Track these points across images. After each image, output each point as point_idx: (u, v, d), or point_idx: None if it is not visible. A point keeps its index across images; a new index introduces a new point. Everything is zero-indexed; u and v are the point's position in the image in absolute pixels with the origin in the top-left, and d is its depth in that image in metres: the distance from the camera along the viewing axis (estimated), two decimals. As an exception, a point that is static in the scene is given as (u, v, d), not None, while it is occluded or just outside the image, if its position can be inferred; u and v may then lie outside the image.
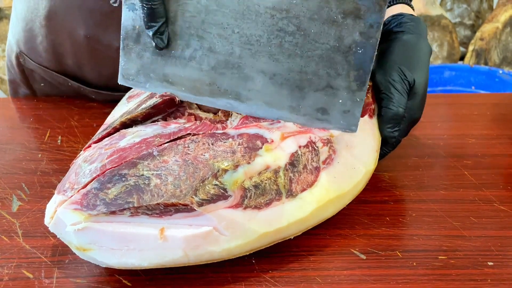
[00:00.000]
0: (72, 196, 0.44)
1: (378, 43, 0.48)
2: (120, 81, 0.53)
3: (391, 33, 0.60)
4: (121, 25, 0.52)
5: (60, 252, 0.49)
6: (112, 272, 0.46)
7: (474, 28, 2.25)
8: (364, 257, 0.48)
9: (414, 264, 0.47)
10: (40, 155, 0.66)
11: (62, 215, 0.44)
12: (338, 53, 0.49)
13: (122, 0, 0.51)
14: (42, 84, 0.84)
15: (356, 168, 0.52)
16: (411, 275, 0.46)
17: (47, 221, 0.45)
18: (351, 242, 0.50)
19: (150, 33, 0.49)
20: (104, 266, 0.44)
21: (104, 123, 0.56)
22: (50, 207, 0.46)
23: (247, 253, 0.46)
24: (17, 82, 0.86)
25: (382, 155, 0.58)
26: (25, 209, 0.55)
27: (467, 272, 0.46)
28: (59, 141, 0.70)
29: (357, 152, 0.53)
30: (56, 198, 0.46)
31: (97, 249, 0.43)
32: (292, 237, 0.48)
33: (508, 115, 0.78)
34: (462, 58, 2.09)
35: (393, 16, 0.61)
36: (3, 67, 2.06)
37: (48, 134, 0.72)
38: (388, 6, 0.62)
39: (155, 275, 0.46)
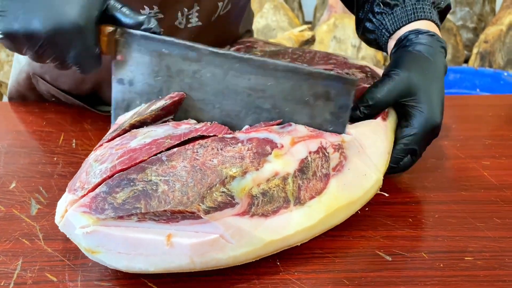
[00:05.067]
0: (81, 196, 0.45)
1: (347, 122, 0.52)
2: None
3: (401, 47, 0.60)
4: (112, 97, 0.56)
5: (83, 255, 0.48)
6: (137, 275, 0.45)
7: (476, 31, 2.26)
8: (390, 259, 0.48)
9: (441, 265, 0.47)
10: (55, 158, 0.66)
11: (72, 217, 0.44)
12: None
13: (112, 75, 0.55)
14: (53, 99, 0.83)
15: (367, 175, 0.52)
16: (439, 277, 0.45)
17: (57, 220, 0.46)
18: (375, 243, 0.50)
19: None
20: (112, 268, 0.44)
21: (115, 122, 0.56)
22: (61, 205, 0.46)
23: (253, 260, 0.45)
24: (25, 96, 0.85)
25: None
26: (44, 212, 0.55)
27: (495, 273, 0.46)
28: (73, 144, 0.69)
29: (368, 154, 0.53)
30: (66, 197, 0.46)
31: (105, 252, 0.43)
32: (299, 244, 0.47)
33: (522, 116, 0.78)
34: (466, 60, 2.10)
35: (410, 31, 0.60)
36: (7, 72, 2.05)
37: (62, 138, 0.71)
38: (409, 22, 0.61)
39: (180, 277, 0.45)
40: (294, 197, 0.47)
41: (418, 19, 0.61)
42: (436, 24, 0.63)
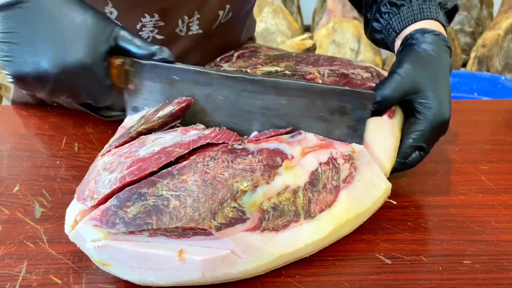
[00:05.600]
0: (91, 207, 0.45)
1: (364, 133, 0.52)
2: None
3: (407, 46, 0.60)
4: (127, 125, 0.56)
5: (87, 258, 0.48)
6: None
7: (474, 35, 2.27)
8: (390, 262, 0.48)
9: (440, 268, 0.48)
10: (58, 162, 0.66)
11: (82, 230, 0.44)
12: None
13: (126, 103, 0.55)
14: (55, 104, 0.84)
15: (376, 185, 0.52)
16: (438, 280, 0.46)
17: (67, 229, 0.46)
18: (375, 247, 0.50)
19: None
20: (124, 279, 0.45)
21: (122, 125, 0.56)
22: (70, 214, 0.46)
23: (263, 273, 0.46)
24: (27, 101, 0.85)
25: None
26: (48, 216, 0.55)
27: (493, 276, 0.47)
28: (76, 148, 0.70)
29: (375, 150, 0.53)
30: (76, 206, 0.46)
31: (116, 265, 0.44)
32: (307, 256, 0.48)
33: (520, 121, 0.79)
34: (464, 65, 2.11)
35: (416, 30, 0.61)
36: (6, 74, 2.06)
37: (64, 141, 0.72)
38: (415, 22, 0.62)
39: (183, 280, 0.46)
40: (304, 210, 0.47)
41: (424, 19, 0.62)
42: (443, 24, 0.63)
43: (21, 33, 0.49)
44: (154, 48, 0.51)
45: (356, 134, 0.52)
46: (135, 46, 0.51)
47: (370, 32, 0.68)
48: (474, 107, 0.87)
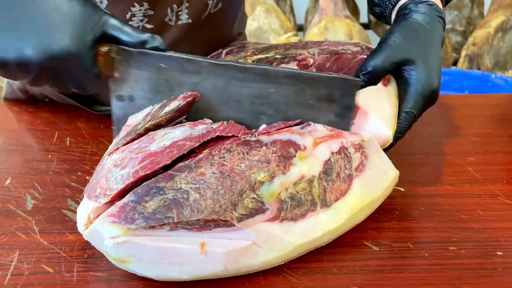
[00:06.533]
0: (106, 204, 0.44)
1: (351, 120, 0.53)
2: None
3: (400, 16, 0.61)
4: (111, 113, 0.56)
5: (78, 248, 0.49)
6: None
7: (465, 34, 2.29)
8: (377, 249, 0.49)
9: (426, 254, 0.48)
10: (50, 156, 0.67)
11: (100, 228, 0.44)
12: None
13: (110, 92, 0.54)
14: (46, 100, 0.84)
15: (386, 173, 0.53)
16: (424, 265, 0.47)
17: (80, 228, 0.45)
18: (363, 234, 0.51)
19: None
20: (142, 276, 0.44)
21: (126, 124, 0.55)
22: (82, 213, 0.46)
23: (282, 263, 0.46)
24: (19, 97, 0.85)
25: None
26: (40, 207, 0.56)
27: (477, 261, 0.48)
28: (67, 142, 0.70)
29: (376, 117, 0.54)
30: (88, 204, 0.45)
31: (136, 262, 0.44)
32: (324, 244, 0.49)
33: (507, 114, 0.80)
34: (454, 63, 2.13)
35: (410, 1, 0.61)
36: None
37: (56, 136, 0.72)
38: None
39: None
40: (321, 199, 0.48)
41: None
42: None
43: (6, 18, 0.47)
44: (146, 36, 0.51)
45: (343, 121, 0.53)
46: (125, 34, 0.51)
47: (371, 7, 0.69)
48: (463, 102, 0.89)
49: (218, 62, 0.52)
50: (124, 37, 0.51)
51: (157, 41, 0.51)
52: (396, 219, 0.54)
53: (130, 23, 0.69)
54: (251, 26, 2.01)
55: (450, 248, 0.49)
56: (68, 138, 0.71)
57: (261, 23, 2.02)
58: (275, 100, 0.52)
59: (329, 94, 0.52)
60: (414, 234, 0.52)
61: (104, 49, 0.51)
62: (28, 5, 0.48)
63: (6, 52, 0.47)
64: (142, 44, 0.51)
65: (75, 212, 0.54)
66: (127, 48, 0.52)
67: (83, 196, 0.57)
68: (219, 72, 0.52)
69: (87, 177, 0.61)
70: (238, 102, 0.52)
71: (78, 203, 0.56)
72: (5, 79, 0.87)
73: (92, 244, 0.46)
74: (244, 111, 0.52)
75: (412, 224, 0.53)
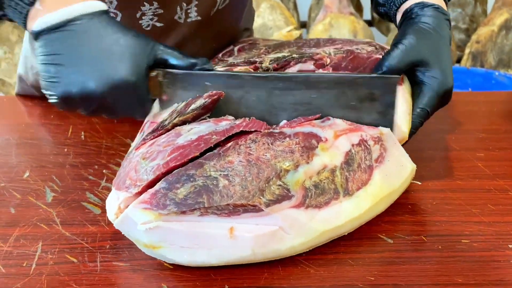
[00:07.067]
0: (137, 193, 0.46)
1: (393, 117, 0.55)
2: None
3: (407, 19, 0.62)
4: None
5: (100, 239, 0.50)
6: (153, 257, 0.48)
7: (468, 32, 2.30)
8: (392, 242, 0.50)
9: (440, 247, 0.50)
10: (66, 149, 0.68)
11: (132, 214, 0.45)
12: None
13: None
14: None
15: (404, 166, 0.55)
16: (438, 257, 0.48)
17: (111, 217, 0.47)
18: (378, 228, 0.52)
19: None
20: (171, 263, 0.46)
21: (151, 121, 0.55)
22: (113, 203, 0.47)
23: (307, 250, 0.48)
24: (32, 94, 0.86)
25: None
26: (60, 200, 0.57)
27: (489, 254, 0.49)
28: (82, 136, 0.71)
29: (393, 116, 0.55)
30: (118, 195, 0.47)
31: (167, 247, 0.45)
32: (346, 233, 0.50)
33: (514, 111, 0.81)
34: (458, 61, 2.14)
35: (416, 4, 0.62)
36: (4, 69, 2.06)
37: (71, 130, 0.73)
38: None
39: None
40: (343, 188, 0.49)
41: None
42: None
43: (67, 55, 0.50)
44: (194, 59, 0.54)
45: (386, 119, 0.54)
46: (176, 58, 0.54)
47: (375, 6, 0.70)
48: (470, 99, 0.90)
49: (260, 74, 0.54)
50: (174, 61, 0.54)
51: (205, 62, 0.55)
52: (409, 212, 0.55)
53: (140, 22, 0.71)
54: (256, 22, 2.01)
55: (462, 241, 0.50)
56: (82, 133, 0.72)
57: (266, 19, 2.03)
58: (317, 105, 0.54)
59: (370, 93, 0.53)
60: (426, 227, 0.53)
61: (152, 74, 0.54)
62: (86, 41, 0.50)
63: (71, 86, 0.50)
64: (193, 66, 0.54)
65: (95, 205, 0.56)
66: (173, 70, 0.54)
67: (101, 189, 0.59)
68: (261, 84, 0.54)
69: (104, 171, 0.62)
70: (282, 110, 0.54)
71: (97, 196, 0.57)
72: (17, 75, 0.88)
73: (122, 233, 0.47)
74: (289, 118, 0.54)
75: (424, 218, 0.54)
